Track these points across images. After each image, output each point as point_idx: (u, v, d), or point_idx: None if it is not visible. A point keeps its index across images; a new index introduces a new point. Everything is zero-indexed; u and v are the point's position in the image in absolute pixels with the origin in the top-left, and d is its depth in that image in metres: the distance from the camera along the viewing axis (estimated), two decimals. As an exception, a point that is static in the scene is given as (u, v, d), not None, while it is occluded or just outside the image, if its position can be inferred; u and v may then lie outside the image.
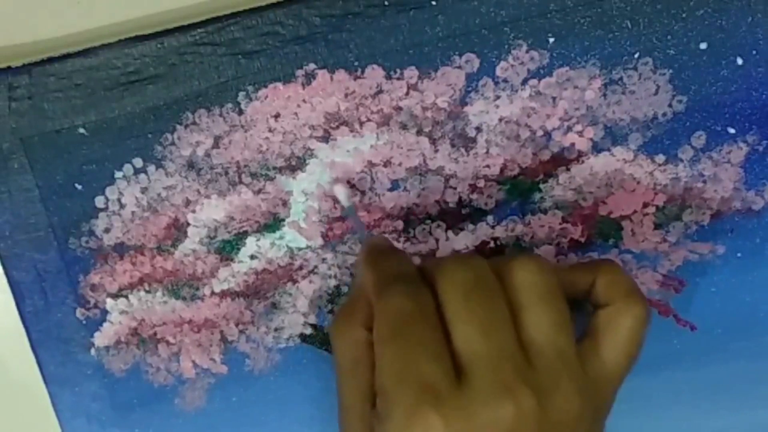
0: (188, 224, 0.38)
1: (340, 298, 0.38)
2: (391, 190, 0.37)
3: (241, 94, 0.37)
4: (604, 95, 0.36)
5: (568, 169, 0.37)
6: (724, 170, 0.37)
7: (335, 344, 0.32)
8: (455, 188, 0.37)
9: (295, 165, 0.37)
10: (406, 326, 0.29)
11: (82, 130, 0.37)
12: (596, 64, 0.36)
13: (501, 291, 0.31)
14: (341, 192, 0.36)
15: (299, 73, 0.36)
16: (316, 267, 0.38)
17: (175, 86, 0.37)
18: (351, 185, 0.37)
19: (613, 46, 0.36)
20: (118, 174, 0.38)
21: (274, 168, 0.37)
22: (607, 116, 0.37)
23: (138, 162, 0.37)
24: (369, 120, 0.37)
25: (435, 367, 0.29)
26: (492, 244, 0.38)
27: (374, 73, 0.36)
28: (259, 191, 0.38)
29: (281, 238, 0.38)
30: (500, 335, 0.29)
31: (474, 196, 0.37)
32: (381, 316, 0.30)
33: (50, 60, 0.36)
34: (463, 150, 0.37)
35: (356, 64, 0.36)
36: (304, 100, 0.37)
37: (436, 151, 0.37)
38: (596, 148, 0.37)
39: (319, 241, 0.38)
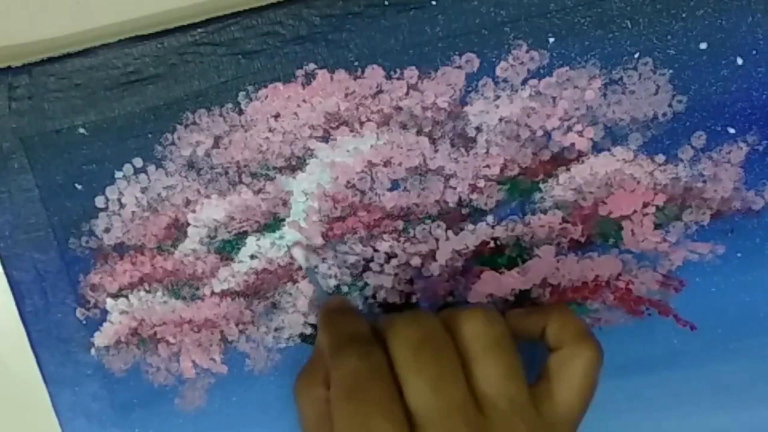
0: (188, 224, 0.38)
1: (340, 298, 0.39)
2: (391, 190, 0.37)
3: (241, 94, 0.37)
4: (604, 95, 0.36)
5: (568, 169, 0.37)
6: (724, 170, 0.37)
7: (299, 403, 0.34)
8: (455, 188, 0.37)
9: (295, 165, 0.37)
10: (360, 386, 0.30)
11: (82, 130, 0.37)
12: (596, 64, 0.36)
13: (450, 345, 0.32)
14: (299, 254, 0.37)
15: (299, 73, 0.36)
16: (316, 267, 0.38)
17: (175, 86, 0.37)
18: (308, 247, 0.37)
19: (613, 46, 0.36)
20: (118, 174, 0.38)
21: (274, 168, 0.37)
22: (607, 116, 0.37)
23: (138, 162, 0.37)
24: (369, 120, 0.37)
25: (389, 426, 0.29)
26: (492, 244, 0.38)
27: (374, 73, 0.36)
28: (259, 191, 0.38)
29: (281, 238, 0.38)
30: (450, 388, 0.30)
31: (474, 196, 0.37)
32: (336, 377, 0.31)
33: (50, 60, 0.36)
34: (463, 150, 0.37)
35: (356, 64, 0.36)
36: (304, 100, 0.37)
37: (436, 151, 0.37)
38: (596, 148, 0.37)
39: (319, 241, 0.38)
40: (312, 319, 0.39)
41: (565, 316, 0.34)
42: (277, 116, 0.37)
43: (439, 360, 0.31)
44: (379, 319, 0.34)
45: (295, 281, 0.38)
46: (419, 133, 0.37)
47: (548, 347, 0.34)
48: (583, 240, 0.38)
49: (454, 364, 0.31)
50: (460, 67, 0.36)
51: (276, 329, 0.39)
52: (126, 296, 0.39)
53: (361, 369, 0.31)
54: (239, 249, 0.38)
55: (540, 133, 0.37)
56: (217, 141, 0.37)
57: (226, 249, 0.38)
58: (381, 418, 0.29)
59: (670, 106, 0.36)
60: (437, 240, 0.38)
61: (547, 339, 0.34)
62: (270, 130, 0.37)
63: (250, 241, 0.38)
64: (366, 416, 0.30)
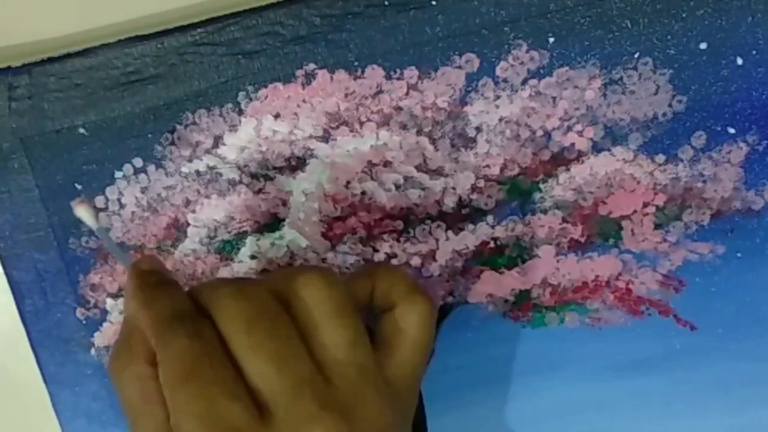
0: (188, 224, 0.38)
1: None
2: (391, 190, 0.37)
3: (241, 94, 0.37)
4: (604, 95, 0.36)
5: (568, 169, 0.37)
6: (724, 170, 0.37)
7: (119, 385, 0.30)
8: (455, 188, 0.37)
9: (295, 165, 0.37)
10: (196, 368, 0.28)
11: (82, 130, 0.37)
12: (596, 64, 0.36)
13: (286, 315, 0.29)
14: (84, 212, 0.32)
15: (299, 73, 0.36)
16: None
17: (175, 86, 0.37)
18: (94, 207, 0.35)
19: (613, 46, 0.36)
20: (118, 174, 0.38)
21: (274, 168, 0.37)
22: (607, 116, 0.37)
23: (138, 162, 0.37)
24: (369, 120, 0.37)
25: (236, 407, 0.27)
26: (492, 244, 0.38)
27: (374, 73, 0.36)
28: (259, 191, 0.38)
29: (281, 238, 0.38)
30: (294, 363, 0.28)
31: (474, 196, 0.37)
32: (167, 360, 0.28)
33: (50, 60, 0.36)
34: (463, 150, 0.37)
35: (356, 64, 0.36)
36: (304, 100, 0.37)
37: (436, 151, 0.37)
38: (596, 148, 0.37)
39: (320, 241, 0.38)
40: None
41: (391, 275, 0.33)
42: (277, 116, 0.37)
43: (276, 334, 0.29)
44: (196, 288, 0.31)
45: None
46: (419, 133, 0.37)
47: (379, 309, 0.33)
48: (583, 240, 0.38)
49: (293, 335, 0.29)
50: (460, 67, 0.36)
51: (276, 329, 0.39)
52: (126, 296, 0.39)
53: (194, 349, 0.28)
54: (239, 249, 0.38)
55: (540, 133, 0.37)
56: (217, 141, 0.37)
57: (226, 249, 0.38)
58: (227, 398, 0.27)
59: (670, 106, 0.36)
60: (437, 240, 0.38)
61: (377, 300, 0.32)
62: (270, 130, 0.37)
63: (250, 241, 0.38)
64: (210, 398, 0.27)
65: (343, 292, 0.30)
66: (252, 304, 0.29)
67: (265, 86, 0.37)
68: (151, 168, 0.37)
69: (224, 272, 0.38)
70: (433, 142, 0.37)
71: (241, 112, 0.37)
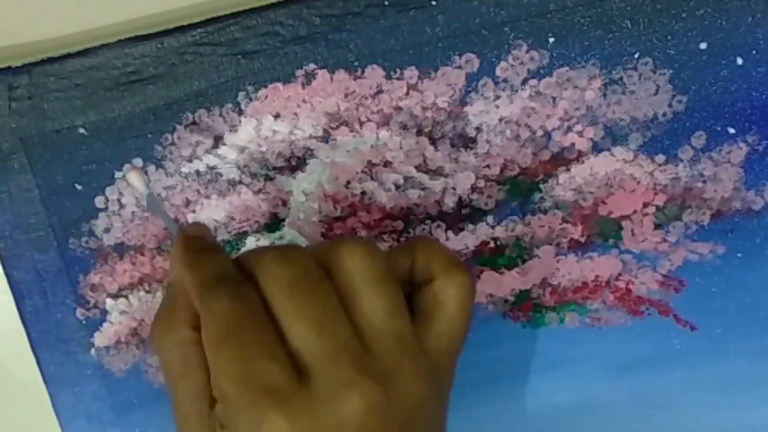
0: (188, 224, 0.38)
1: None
2: (391, 190, 0.37)
3: (241, 94, 0.37)
4: (604, 95, 0.36)
5: (568, 169, 0.37)
6: (724, 170, 0.37)
7: (159, 348, 0.31)
8: (455, 188, 0.37)
9: (295, 165, 0.37)
10: (238, 329, 0.28)
11: (82, 130, 0.37)
12: (596, 64, 0.36)
13: (328, 281, 0.30)
14: (136, 178, 0.33)
15: (299, 73, 0.36)
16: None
17: (175, 86, 0.37)
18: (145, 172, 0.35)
19: (613, 46, 0.36)
20: (118, 174, 0.38)
21: (274, 168, 0.37)
22: (607, 116, 0.37)
23: (138, 162, 0.37)
24: (369, 120, 0.37)
25: (275, 368, 0.28)
26: (492, 244, 0.38)
27: (374, 73, 0.36)
28: (259, 191, 0.38)
29: (281, 238, 0.38)
30: (333, 328, 0.29)
31: (474, 196, 0.37)
32: (210, 321, 0.29)
33: (50, 60, 0.36)
34: (463, 150, 0.37)
35: (356, 64, 0.36)
36: (304, 100, 0.37)
37: (436, 151, 0.37)
38: (596, 148, 0.37)
39: (320, 241, 0.38)
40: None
41: (431, 248, 0.33)
42: (277, 116, 0.37)
43: (317, 300, 0.29)
44: (242, 255, 0.31)
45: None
46: (419, 133, 0.37)
47: (420, 282, 0.33)
48: (583, 240, 0.38)
49: (333, 302, 0.29)
50: (460, 67, 0.36)
51: (276, 329, 0.39)
52: (126, 296, 0.39)
53: (237, 310, 0.28)
54: (239, 249, 0.38)
55: (540, 133, 0.37)
56: (217, 141, 0.37)
57: (226, 249, 0.38)
58: (266, 359, 0.28)
59: (670, 106, 0.36)
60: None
61: (417, 273, 0.32)
62: (270, 130, 0.37)
63: (250, 241, 0.38)
64: (249, 359, 0.28)
65: (383, 263, 0.30)
66: (295, 268, 0.30)
67: (265, 86, 0.37)
68: (151, 168, 0.37)
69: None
70: (433, 142, 0.37)
71: (241, 112, 0.37)
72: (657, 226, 0.37)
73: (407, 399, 0.29)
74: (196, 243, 0.32)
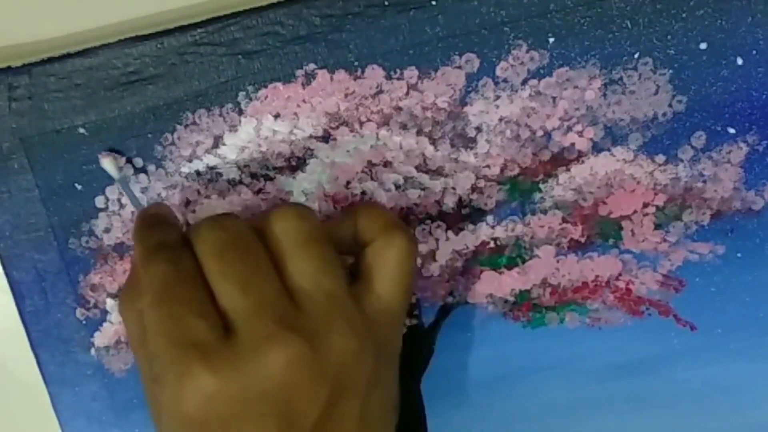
0: (188, 224, 0.38)
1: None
2: (391, 190, 0.37)
3: (241, 94, 0.37)
4: (604, 95, 0.36)
5: (568, 169, 0.37)
6: (724, 170, 0.37)
7: (124, 320, 0.33)
8: (455, 188, 0.37)
9: (295, 165, 0.37)
10: (169, 289, 0.30)
11: (82, 130, 0.37)
12: (596, 64, 0.36)
13: (258, 243, 0.31)
14: (109, 164, 0.36)
15: (299, 73, 0.36)
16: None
17: (175, 86, 0.37)
18: (124, 157, 0.36)
19: (613, 46, 0.36)
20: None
21: (274, 168, 0.37)
22: (607, 116, 0.37)
23: (138, 162, 0.37)
24: (369, 120, 0.37)
25: (201, 324, 0.29)
26: (492, 244, 0.38)
27: (374, 73, 0.36)
28: (259, 191, 0.38)
29: (281, 238, 0.38)
30: (259, 286, 0.30)
31: (474, 196, 0.37)
32: (145, 284, 0.31)
33: (50, 60, 0.36)
34: (463, 150, 0.37)
35: (356, 64, 0.36)
36: (304, 100, 0.37)
37: (436, 151, 0.37)
38: (596, 148, 0.37)
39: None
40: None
41: (372, 210, 0.34)
42: (277, 116, 0.37)
43: (245, 260, 0.30)
44: (190, 226, 0.33)
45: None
46: (419, 133, 0.37)
47: (362, 245, 0.33)
48: (583, 240, 0.38)
49: (262, 262, 0.31)
50: (460, 67, 0.36)
51: (276, 329, 0.39)
52: (126, 296, 0.39)
53: (170, 273, 0.30)
54: (239, 249, 0.38)
55: (540, 133, 0.37)
56: (216, 141, 0.37)
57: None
58: (193, 317, 0.29)
59: (670, 106, 0.36)
60: (437, 240, 0.38)
61: (360, 236, 0.33)
62: (270, 130, 0.37)
63: (250, 241, 0.38)
64: (178, 317, 0.29)
65: (313, 224, 0.32)
66: (227, 233, 0.31)
67: (265, 86, 0.37)
68: (151, 168, 0.37)
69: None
70: (433, 142, 0.37)
71: (241, 112, 0.37)
72: (657, 226, 0.37)
73: (338, 354, 0.30)
74: (149, 219, 0.34)
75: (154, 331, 0.30)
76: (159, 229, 0.33)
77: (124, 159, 0.37)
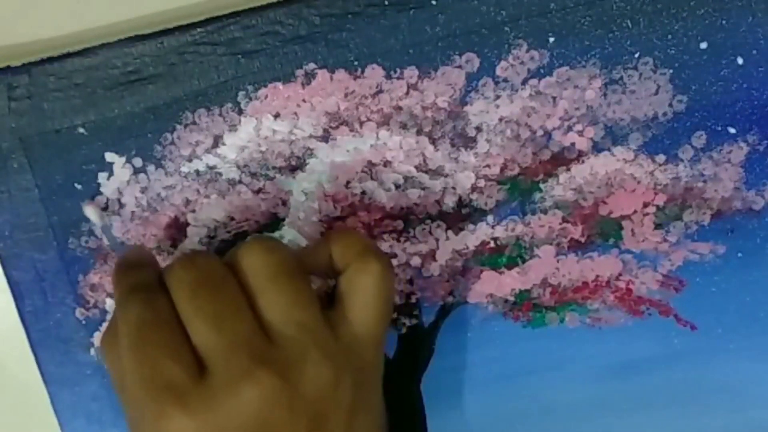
0: (188, 224, 0.38)
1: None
2: (390, 190, 0.37)
3: (241, 93, 0.37)
4: (605, 95, 0.36)
5: (568, 169, 0.37)
6: (724, 170, 0.37)
7: (106, 363, 0.33)
8: (455, 188, 0.37)
9: (295, 165, 0.37)
10: (143, 332, 0.30)
11: (81, 130, 0.37)
12: (596, 63, 0.36)
13: (230, 281, 0.31)
14: (92, 212, 0.37)
15: (299, 72, 0.36)
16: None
17: (174, 86, 0.37)
18: (104, 208, 0.37)
19: (613, 45, 0.36)
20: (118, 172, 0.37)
21: (274, 168, 0.37)
22: (607, 116, 0.37)
23: (138, 162, 0.37)
24: (369, 120, 0.37)
25: (174, 367, 0.29)
26: (492, 244, 0.38)
27: (374, 73, 0.36)
28: (259, 191, 0.38)
29: (281, 237, 0.38)
30: (231, 324, 0.30)
31: (474, 196, 0.37)
32: (122, 327, 0.31)
33: (50, 60, 0.36)
34: (463, 150, 0.37)
35: (356, 63, 0.36)
36: (304, 100, 0.37)
37: (436, 151, 0.37)
38: (596, 148, 0.37)
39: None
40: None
41: (346, 237, 0.34)
42: (277, 116, 0.37)
43: (217, 298, 0.30)
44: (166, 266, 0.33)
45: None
46: (419, 133, 0.37)
47: (337, 271, 0.33)
48: (583, 240, 0.38)
49: (235, 299, 0.30)
50: (460, 66, 0.36)
51: (276, 329, 0.39)
52: (126, 296, 0.39)
53: (144, 316, 0.30)
54: (239, 249, 0.38)
55: (540, 132, 0.37)
56: (216, 141, 0.37)
57: (226, 249, 0.38)
58: (169, 361, 0.29)
59: (670, 105, 0.36)
60: (437, 240, 0.38)
61: (335, 263, 0.33)
62: (270, 130, 0.37)
63: (250, 241, 0.38)
64: (153, 361, 0.29)
65: (282, 257, 0.32)
66: (197, 271, 0.31)
67: (265, 86, 0.37)
68: (151, 168, 0.37)
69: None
70: (433, 141, 0.37)
71: (241, 112, 0.37)
72: (657, 226, 0.37)
73: (313, 384, 0.30)
74: (127, 263, 0.34)
75: (129, 375, 0.30)
76: (135, 272, 0.33)
77: (105, 204, 0.37)
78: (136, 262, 0.34)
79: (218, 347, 0.29)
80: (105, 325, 0.39)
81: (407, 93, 0.36)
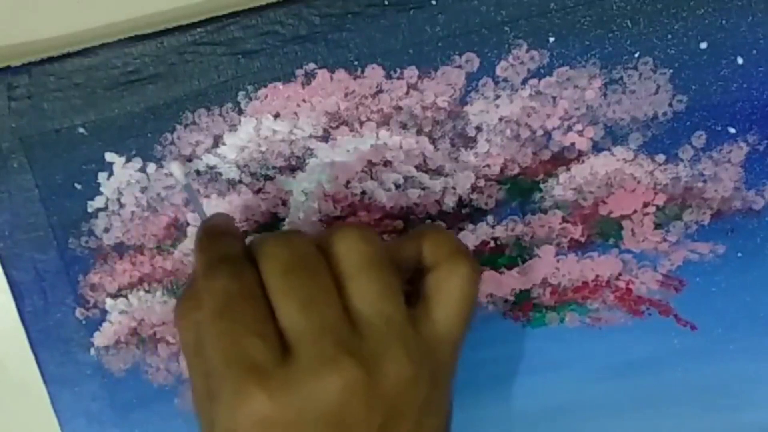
0: (188, 224, 0.38)
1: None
2: (390, 189, 0.37)
3: (241, 93, 0.37)
4: (605, 95, 0.36)
5: (568, 169, 0.37)
6: (724, 170, 0.37)
7: (179, 330, 0.32)
8: (455, 188, 0.37)
9: (295, 165, 0.37)
10: (230, 305, 0.29)
11: (81, 130, 0.37)
12: (596, 63, 0.36)
13: (323, 265, 0.31)
14: (177, 169, 0.36)
15: (299, 72, 0.36)
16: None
17: (175, 86, 0.37)
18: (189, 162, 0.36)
19: (613, 45, 0.36)
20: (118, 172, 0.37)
21: (274, 168, 0.37)
22: (607, 116, 0.37)
23: (138, 162, 0.37)
24: (369, 120, 0.37)
25: (259, 345, 0.29)
26: (492, 244, 0.38)
27: (374, 73, 0.36)
28: (259, 191, 0.38)
29: (281, 237, 0.38)
30: (321, 309, 0.29)
31: (474, 196, 0.37)
32: (206, 298, 0.30)
33: (50, 60, 0.36)
34: (463, 150, 0.37)
35: (356, 63, 0.36)
36: (304, 100, 0.37)
37: (436, 150, 0.37)
38: (596, 148, 0.37)
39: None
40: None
41: (439, 235, 0.33)
42: (277, 116, 0.37)
43: (309, 281, 0.30)
44: (254, 239, 0.32)
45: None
46: (419, 132, 0.37)
47: (426, 269, 0.33)
48: (583, 240, 0.38)
49: (325, 284, 0.30)
50: (460, 66, 0.36)
51: (276, 329, 0.39)
52: (125, 296, 0.39)
53: (232, 288, 0.30)
54: (239, 249, 0.38)
55: (540, 132, 0.37)
56: (216, 141, 0.37)
57: (226, 249, 0.38)
58: (252, 336, 0.29)
59: (670, 105, 0.36)
60: (437, 240, 0.38)
61: (424, 260, 0.33)
62: (270, 130, 0.37)
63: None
64: (237, 334, 0.29)
65: (376, 248, 0.31)
66: (292, 250, 0.31)
67: (265, 86, 0.37)
68: (151, 167, 0.37)
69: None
70: (433, 141, 0.37)
71: (241, 112, 0.37)
72: (657, 226, 0.37)
73: (393, 380, 0.29)
74: (213, 230, 0.33)
75: (212, 346, 0.29)
76: (222, 241, 0.32)
77: (191, 165, 0.37)
78: (220, 230, 0.33)
79: (306, 331, 0.29)
80: (104, 325, 0.39)
81: (407, 93, 0.36)
